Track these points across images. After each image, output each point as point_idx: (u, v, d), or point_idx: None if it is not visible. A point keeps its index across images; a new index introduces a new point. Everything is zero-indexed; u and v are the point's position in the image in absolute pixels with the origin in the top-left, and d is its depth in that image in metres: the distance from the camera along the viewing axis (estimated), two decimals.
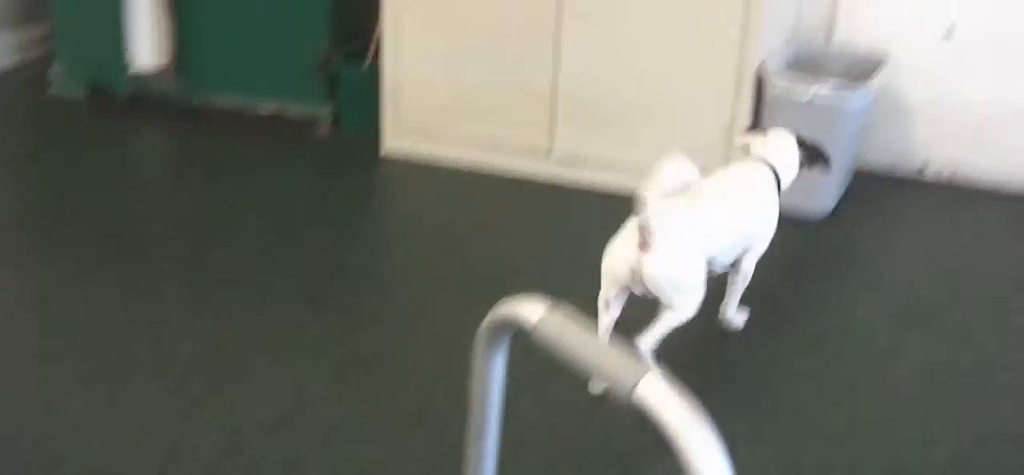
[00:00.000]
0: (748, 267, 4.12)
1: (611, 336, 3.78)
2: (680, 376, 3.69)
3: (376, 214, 5.35)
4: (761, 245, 4.11)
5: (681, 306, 3.67)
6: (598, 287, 3.80)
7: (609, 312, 3.78)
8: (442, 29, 5.42)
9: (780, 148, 4.16)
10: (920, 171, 5.60)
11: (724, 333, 4.20)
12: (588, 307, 4.12)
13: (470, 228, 5.05)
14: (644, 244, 3.54)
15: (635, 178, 5.01)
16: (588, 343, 1.80)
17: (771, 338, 4.23)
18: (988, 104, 5.39)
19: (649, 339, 3.70)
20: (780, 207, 4.16)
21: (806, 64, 5.36)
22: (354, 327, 4.18)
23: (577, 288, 4.28)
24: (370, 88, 5.69)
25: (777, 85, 4.95)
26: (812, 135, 4.43)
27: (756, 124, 5.09)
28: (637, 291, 3.67)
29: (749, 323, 4.27)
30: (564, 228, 5.07)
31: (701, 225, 3.74)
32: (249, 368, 3.87)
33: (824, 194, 5.05)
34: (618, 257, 3.64)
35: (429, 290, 4.50)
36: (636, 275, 3.59)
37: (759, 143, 4.17)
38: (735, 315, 4.22)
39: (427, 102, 5.56)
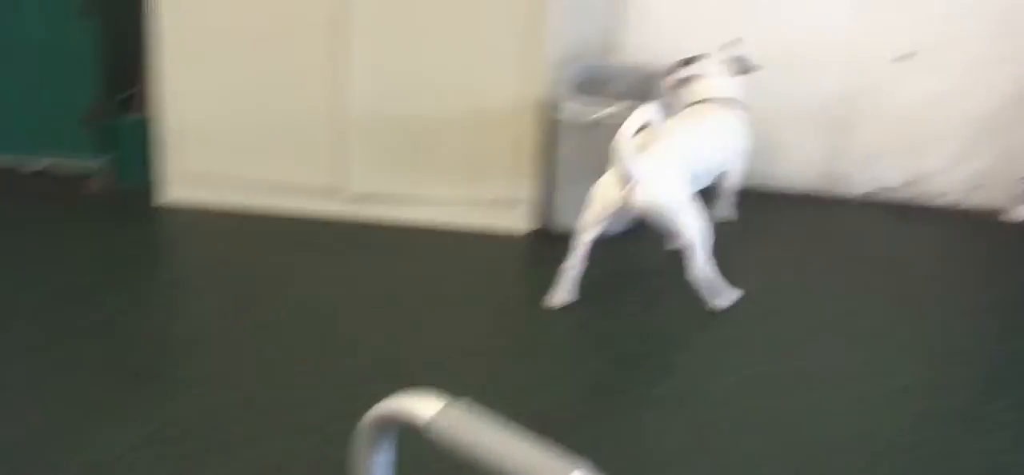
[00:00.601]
0: (734, 179, 5.03)
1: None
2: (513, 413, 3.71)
3: (167, 269, 5.17)
4: (739, 158, 5.06)
5: (684, 225, 4.41)
6: (412, 328, 4.27)
7: (590, 232, 4.51)
8: (217, 72, 5.26)
9: (717, 77, 5.05)
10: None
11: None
12: (407, 350, 4.07)
13: (266, 278, 4.90)
14: (624, 183, 4.28)
15: (430, 210, 5.01)
16: (499, 441, 1.69)
17: (591, 362, 4.26)
18: (778, 111, 5.46)
19: (695, 268, 4.48)
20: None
21: (591, 84, 5.34)
22: (162, 396, 4.00)
23: (392, 326, 4.24)
24: (144, 137, 5.50)
25: (565, 107, 4.90)
26: (602, 155, 4.51)
27: (548, 146, 5.10)
28: (631, 216, 4.51)
29: (568, 347, 4.28)
30: (365, 269, 4.97)
31: (670, 153, 4.47)
32: (56, 452, 3.67)
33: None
34: (609, 190, 4.36)
35: (233, 349, 4.34)
36: (626, 205, 4.33)
37: (700, 86, 5.03)
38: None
39: (208, 147, 5.40)
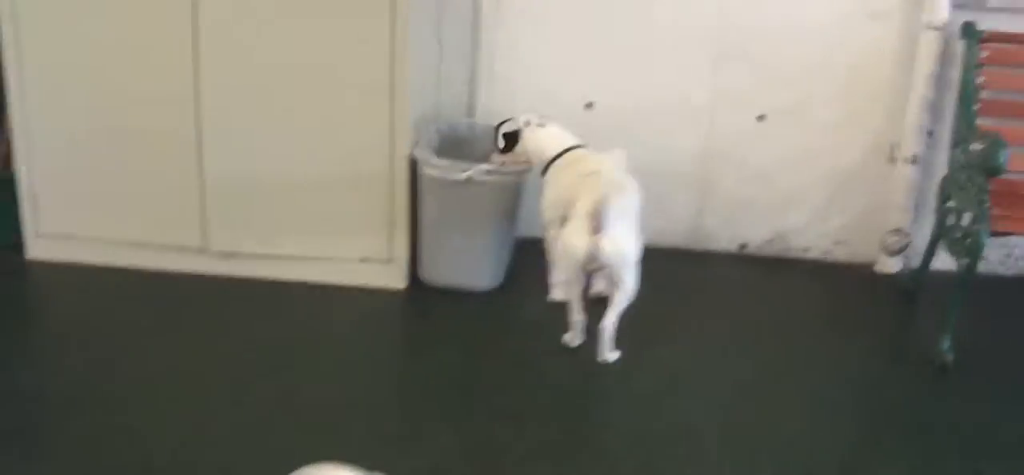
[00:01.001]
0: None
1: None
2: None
3: (31, 328, 5.05)
4: None
5: (629, 281, 4.50)
6: (289, 385, 4.31)
7: (575, 287, 4.67)
8: (75, 126, 5.20)
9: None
10: None
11: None
12: (286, 408, 4.03)
13: (136, 336, 4.83)
14: (596, 228, 4.38)
15: (299, 268, 4.98)
16: None
17: (473, 418, 4.26)
18: (635, 170, 5.49)
19: (612, 316, 4.57)
20: (445, 282, 5.19)
21: (455, 143, 5.40)
22: (32, 459, 3.91)
23: (267, 386, 4.20)
24: (4, 194, 5.40)
25: (432, 167, 4.91)
26: (469, 212, 4.93)
27: (414, 205, 5.08)
28: (591, 268, 4.57)
29: (445, 403, 4.29)
30: (237, 327, 4.92)
31: (632, 203, 4.60)
32: None
33: (489, 267, 5.05)
34: (577, 242, 4.44)
35: (104, 410, 4.25)
36: (592, 255, 4.42)
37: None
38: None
39: (71, 205, 5.33)
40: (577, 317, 4.72)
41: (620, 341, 4.65)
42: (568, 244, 4.50)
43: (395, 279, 5.17)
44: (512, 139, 5.10)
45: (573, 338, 4.75)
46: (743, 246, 5.87)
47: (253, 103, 5.05)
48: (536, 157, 5.05)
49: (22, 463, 3.86)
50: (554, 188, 4.87)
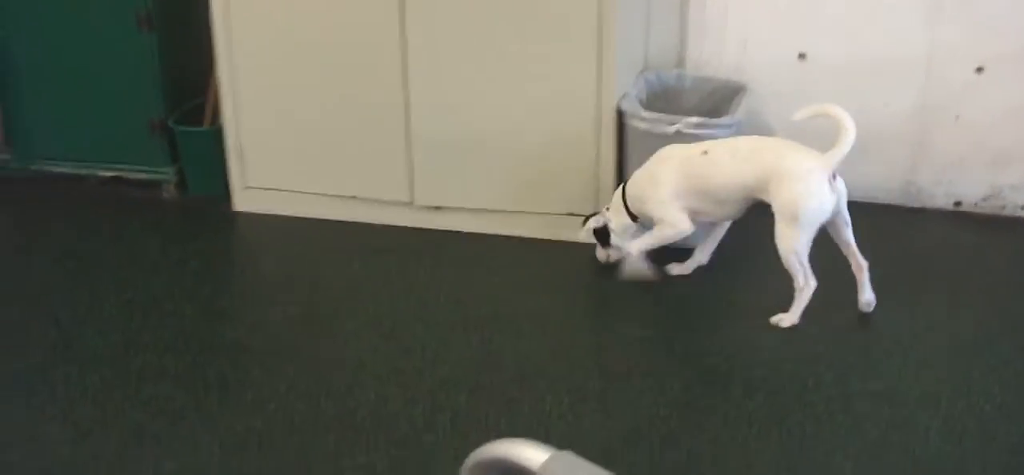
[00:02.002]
0: None
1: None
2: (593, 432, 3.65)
3: (239, 278, 5.16)
4: None
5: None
6: (488, 340, 4.34)
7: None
8: (283, 81, 5.24)
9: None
10: None
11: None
12: (484, 364, 4.01)
13: (340, 288, 4.89)
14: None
15: (503, 221, 4.94)
16: None
17: (676, 379, 4.15)
18: (856, 123, 5.36)
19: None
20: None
21: (663, 95, 5.29)
22: (239, 408, 3.98)
23: (468, 341, 4.19)
24: (212, 147, 5.50)
25: (640, 120, 4.83)
26: None
27: (621, 160, 5.02)
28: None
29: (651, 365, 4.23)
30: (438, 280, 4.92)
31: None
32: (138, 461, 3.67)
33: (697, 223, 4.94)
34: (827, 196, 4.36)
35: (309, 361, 4.31)
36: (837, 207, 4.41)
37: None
38: None
39: (275, 157, 5.38)
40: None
41: (827, 298, 4.55)
42: (818, 203, 4.36)
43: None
44: (604, 235, 4.91)
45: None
46: (957, 203, 5.69)
47: (460, 54, 5.02)
48: (647, 207, 4.79)
49: (227, 414, 3.94)
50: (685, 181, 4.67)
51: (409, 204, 5.26)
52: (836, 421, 3.87)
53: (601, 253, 4.94)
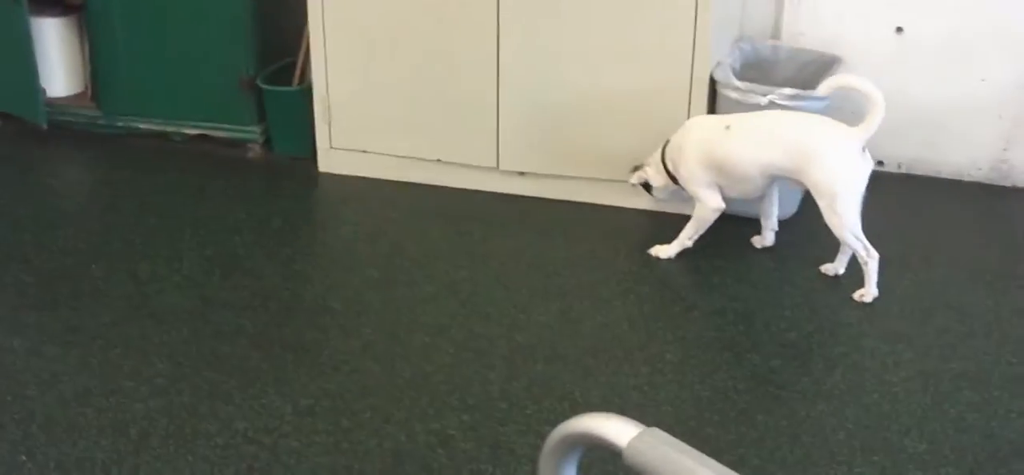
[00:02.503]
0: None
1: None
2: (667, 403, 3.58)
3: (320, 239, 5.13)
4: None
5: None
6: (567, 308, 4.30)
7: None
8: (373, 43, 5.20)
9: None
10: (879, 165, 5.46)
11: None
12: (561, 331, 3.96)
13: (422, 250, 4.86)
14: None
15: (590, 189, 4.88)
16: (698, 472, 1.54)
17: (754, 353, 4.08)
18: (941, 98, 5.30)
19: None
20: (741, 210, 4.86)
21: (757, 66, 5.20)
22: (314, 370, 3.95)
23: (547, 308, 4.14)
24: (301, 107, 5.48)
25: (733, 89, 4.74)
26: None
27: None
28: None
29: (730, 338, 4.16)
30: (521, 246, 4.88)
31: None
32: (210, 420, 3.65)
33: (786, 195, 4.86)
34: (864, 165, 4.33)
35: (388, 324, 4.28)
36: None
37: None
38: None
39: (362, 119, 5.33)
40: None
41: (911, 275, 4.58)
42: (855, 175, 4.30)
43: (687, 204, 5.02)
44: (648, 187, 4.90)
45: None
46: None
47: (554, 18, 4.97)
48: (680, 174, 4.75)
49: (302, 375, 3.91)
50: (705, 154, 4.61)
51: (494, 169, 5.22)
52: (914, 401, 3.78)
53: (649, 199, 4.98)
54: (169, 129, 5.81)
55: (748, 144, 4.45)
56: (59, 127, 5.89)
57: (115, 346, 4.08)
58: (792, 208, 4.92)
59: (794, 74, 5.14)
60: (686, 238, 4.71)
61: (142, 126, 5.86)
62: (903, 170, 5.51)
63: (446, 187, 5.22)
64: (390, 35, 5.13)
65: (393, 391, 3.81)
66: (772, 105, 4.66)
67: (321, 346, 4.09)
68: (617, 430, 1.58)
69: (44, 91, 5.83)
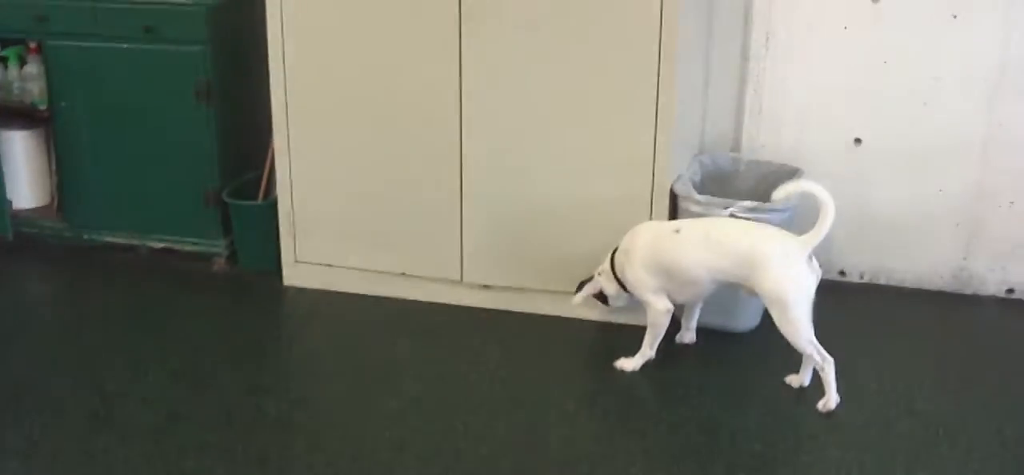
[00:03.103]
0: None
1: None
2: None
3: (285, 353, 5.11)
4: None
5: None
6: (539, 419, 4.33)
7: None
8: (338, 158, 5.23)
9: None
10: (841, 275, 5.52)
11: None
12: (533, 445, 3.97)
13: (387, 364, 4.85)
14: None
15: (550, 303, 4.90)
16: None
17: (720, 465, 4.10)
18: (900, 208, 5.37)
19: None
20: (703, 322, 5.01)
21: (717, 178, 5.25)
22: None
23: (512, 422, 4.15)
24: (265, 221, 5.50)
25: (693, 202, 4.79)
26: None
27: None
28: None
29: (695, 449, 4.19)
30: (487, 357, 4.89)
31: None
32: None
33: (748, 307, 4.90)
34: (813, 278, 4.42)
35: (356, 438, 4.30)
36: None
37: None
38: None
39: (327, 232, 5.36)
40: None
41: (876, 383, 4.63)
42: (802, 284, 4.38)
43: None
44: (603, 298, 4.93)
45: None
46: (1010, 290, 5.60)
47: (514, 133, 5.02)
48: (627, 279, 4.80)
49: (217, 469, 3.93)
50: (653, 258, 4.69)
51: (458, 282, 5.23)
52: None
53: (605, 309, 4.99)
54: (135, 242, 5.81)
55: (697, 249, 4.52)
56: (24, 238, 5.88)
57: (78, 461, 4.07)
58: (754, 320, 4.93)
59: (755, 185, 5.18)
60: (648, 348, 4.74)
61: (108, 238, 5.85)
62: (866, 280, 5.54)
63: (411, 300, 5.24)
64: (355, 149, 5.16)
65: None
66: (733, 218, 4.69)
67: (287, 461, 4.08)
68: None
69: (10, 203, 5.81)
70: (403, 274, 5.21)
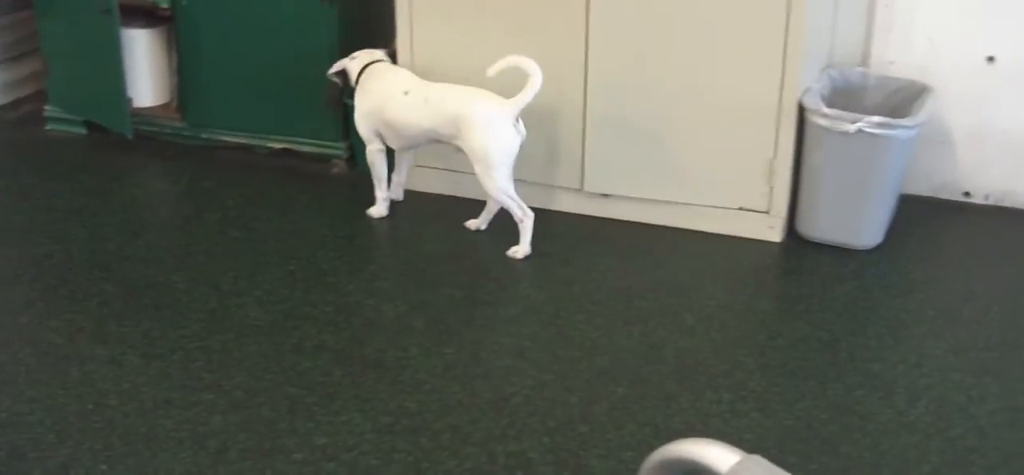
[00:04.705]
0: None
1: None
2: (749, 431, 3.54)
3: (403, 257, 5.12)
4: None
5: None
6: (653, 332, 4.26)
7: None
8: (460, 59, 5.14)
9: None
10: (965, 196, 5.39)
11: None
12: (648, 355, 3.92)
13: (503, 272, 4.82)
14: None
15: (673, 213, 4.84)
16: None
17: (838, 381, 4.02)
18: None
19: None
20: (824, 238, 4.96)
21: (845, 93, 5.12)
22: (395, 387, 3.94)
23: (629, 333, 4.10)
24: None
25: (821, 116, 4.69)
26: (856, 165, 4.72)
27: (799, 157, 4.88)
28: None
29: (814, 367, 4.10)
30: (603, 269, 4.83)
31: None
32: (289, 435, 3.65)
33: (872, 224, 4.81)
34: (516, 137, 4.82)
35: (472, 343, 4.28)
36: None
37: None
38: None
39: None
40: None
41: (1004, 315, 4.42)
42: (505, 144, 4.78)
43: (772, 231, 4.97)
44: (343, 77, 5.29)
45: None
46: None
47: (640, 42, 4.94)
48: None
49: (383, 392, 3.92)
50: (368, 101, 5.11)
51: (578, 190, 5.17)
52: (1001, 436, 3.72)
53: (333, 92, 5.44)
54: (253, 142, 5.79)
55: (420, 109, 4.92)
56: (143, 137, 5.89)
57: (195, 358, 4.09)
58: (877, 237, 4.83)
59: (883, 101, 5.08)
60: (378, 190, 5.25)
61: (226, 138, 5.84)
62: (991, 202, 5.40)
63: (532, 205, 5.14)
64: (478, 53, 5.06)
65: (473, 412, 3.79)
66: (861, 133, 4.59)
67: (402, 364, 4.07)
68: (718, 456, 1.57)
69: (130, 101, 5.82)
70: (521, 180, 5.13)
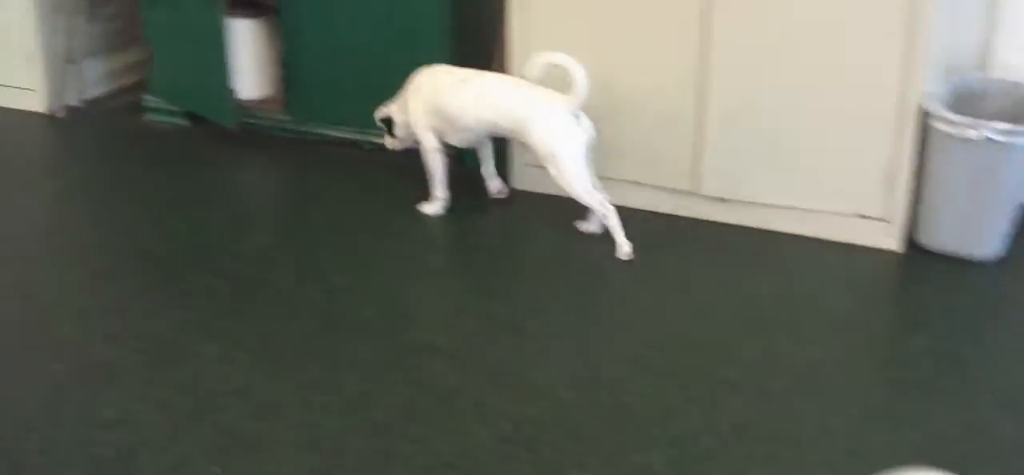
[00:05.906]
0: None
1: None
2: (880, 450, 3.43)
3: (516, 256, 5.06)
4: None
5: None
6: (769, 339, 4.21)
7: None
8: (574, 54, 5.01)
9: None
10: None
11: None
12: (763, 364, 3.82)
13: (619, 275, 4.73)
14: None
15: (790, 219, 4.73)
16: None
17: (965, 397, 3.89)
18: None
19: None
20: (944, 248, 4.81)
21: (965, 99, 4.97)
22: (517, 395, 3.85)
23: (751, 343, 4.03)
24: None
25: (945, 122, 4.56)
26: (980, 174, 4.59)
27: (921, 164, 4.76)
28: None
29: (942, 384, 3.97)
30: (723, 274, 4.76)
31: None
32: (405, 441, 3.58)
33: (994, 234, 4.69)
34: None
35: (590, 349, 4.20)
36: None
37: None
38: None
39: None
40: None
41: None
42: (569, 137, 4.75)
43: (890, 239, 4.85)
44: (389, 124, 5.26)
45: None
46: None
47: (759, 41, 4.84)
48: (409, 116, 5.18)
49: (501, 398, 3.84)
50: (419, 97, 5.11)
51: (693, 193, 5.07)
52: None
53: (388, 141, 5.33)
54: (359, 138, 5.72)
55: (471, 100, 4.91)
56: (247, 130, 5.84)
57: (307, 358, 4.04)
58: (999, 248, 4.74)
59: (1005, 108, 4.94)
60: (437, 190, 5.20)
61: (331, 133, 5.77)
62: None
63: (641, 209, 5.07)
64: (592, 46, 5.00)
65: (594, 420, 3.72)
66: (987, 141, 4.47)
67: (522, 368, 4.02)
68: None
69: (233, 94, 5.77)
70: (635, 182, 5.04)
